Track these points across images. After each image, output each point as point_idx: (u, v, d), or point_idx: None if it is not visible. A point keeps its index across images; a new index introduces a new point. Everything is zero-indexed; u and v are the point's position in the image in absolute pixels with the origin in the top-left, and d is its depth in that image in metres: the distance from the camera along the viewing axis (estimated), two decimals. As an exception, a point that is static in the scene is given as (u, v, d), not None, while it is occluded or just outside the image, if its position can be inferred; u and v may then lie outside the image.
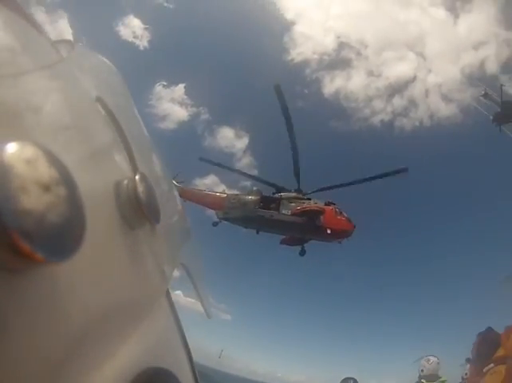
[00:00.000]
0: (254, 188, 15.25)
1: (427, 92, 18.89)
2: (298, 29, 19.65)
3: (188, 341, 0.64)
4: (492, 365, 2.53)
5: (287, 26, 19.46)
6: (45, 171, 0.24)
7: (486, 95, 14.39)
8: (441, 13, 18.44)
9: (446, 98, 18.08)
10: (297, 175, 14.24)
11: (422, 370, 4.72)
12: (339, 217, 14.21)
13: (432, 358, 4.77)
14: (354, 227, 14.36)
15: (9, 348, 0.22)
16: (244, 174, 16.47)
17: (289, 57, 19.83)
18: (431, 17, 18.44)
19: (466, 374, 4.19)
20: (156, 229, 0.47)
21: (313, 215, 13.91)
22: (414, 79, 18.78)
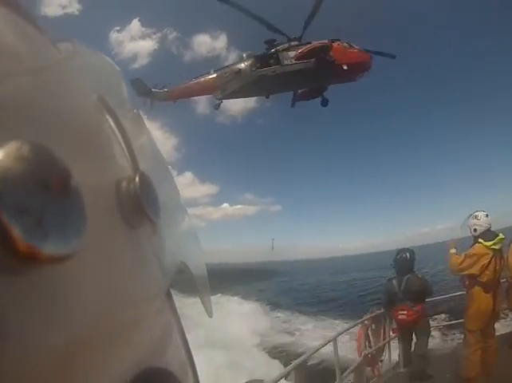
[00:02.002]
0: (244, 54, 13.41)
1: None
2: None
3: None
4: None
5: None
6: (45, 171, 0.24)
7: None
8: None
9: None
10: (276, 30, 12.44)
11: (475, 230, 4.39)
12: (350, 50, 12.57)
13: (479, 213, 4.45)
14: (371, 56, 12.80)
15: (10, 348, 0.22)
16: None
17: None
18: None
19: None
20: (157, 228, 0.47)
21: (321, 52, 12.11)
22: None
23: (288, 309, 21.36)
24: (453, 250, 4.48)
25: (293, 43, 12.82)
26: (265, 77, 12.49)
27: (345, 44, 12.69)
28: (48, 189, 0.24)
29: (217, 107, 14.01)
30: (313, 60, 12.18)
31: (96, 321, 0.31)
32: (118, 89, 0.60)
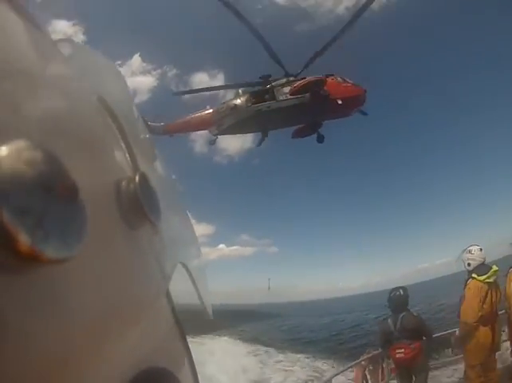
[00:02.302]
0: (239, 90, 13.26)
1: None
2: None
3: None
4: None
5: None
6: (45, 171, 0.24)
7: None
8: None
9: None
10: (277, 60, 12.30)
11: (469, 264, 4.45)
12: (345, 84, 12.55)
13: (473, 247, 4.51)
14: (365, 90, 12.74)
15: (10, 348, 0.22)
16: (223, 87, 14.10)
17: None
18: None
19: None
20: (157, 229, 0.47)
21: (316, 87, 12.01)
22: None
23: (266, 347, 20.97)
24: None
25: (289, 79, 12.88)
26: (260, 113, 12.42)
27: (339, 78, 12.77)
28: (49, 190, 0.24)
29: (212, 142, 13.83)
30: (307, 94, 12.15)
31: (96, 322, 0.31)
32: (118, 89, 0.60)
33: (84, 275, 0.30)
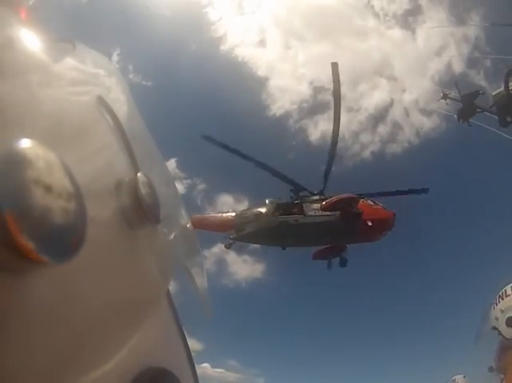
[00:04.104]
0: (266, 200, 12.82)
1: (407, 112, 19.43)
2: (272, 83, 20.27)
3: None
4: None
5: (262, 82, 20.24)
6: (46, 171, 0.24)
7: (444, 96, 13.80)
8: (398, 33, 19.03)
9: (425, 112, 18.58)
10: (326, 176, 12.26)
11: None
12: (375, 206, 12.16)
13: (457, 376, 4.74)
14: (394, 213, 12.18)
15: (11, 348, 0.22)
16: (256, 162, 12.72)
17: (271, 113, 20.35)
18: (390, 40, 19.26)
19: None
20: (157, 229, 0.47)
21: (348, 205, 11.45)
22: (391, 102, 19.30)
23: None
24: None
25: (320, 196, 12.42)
26: (285, 225, 11.75)
27: (370, 201, 12.20)
28: (50, 190, 0.24)
29: (228, 246, 12.82)
30: (338, 213, 11.60)
31: (96, 322, 0.31)
32: (118, 89, 0.60)
33: (85, 275, 0.30)
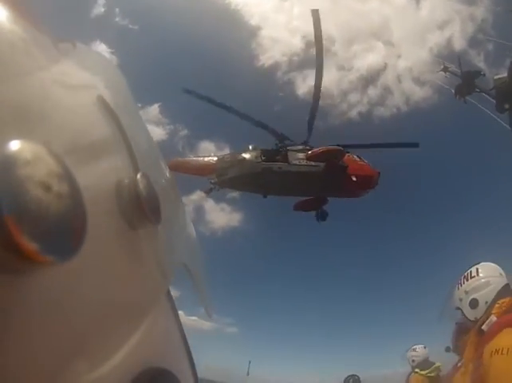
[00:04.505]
0: (250, 146, 12.09)
1: (399, 78, 18.95)
2: (264, 33, 19.04)
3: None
4: (463, 361, 1.96)
5: (253, 32, 18.91)
6: (46, 171, 0.24)
7: (445, 69, 13.60)
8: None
9: (418, 81, 18.16)
10: (310, 125, 11.72)
11: (413, 360, 4.84)
12: (361, 162, 11.87)
13: (418, 346, 4.94)
14: (379, 172, 11.93)
15: (12, 348, 0.22)
16: (241, 114, 12.50)
17: (260, 63, 19.26)
18: (392, 5, 18.75)
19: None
20: (157, 229, 0.47)
21: (334, 157, 11.09)
22: (385, 67, 18.67)
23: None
24: None
25: (305, 147, 11.98)
26: (269, 172, 11.35)
27: (355, 156, 12.02)
28: (50, 190, 0.24)
29: (208, 191, 12.31)
30: (323, 164, 11.33)
31: (97, 322, 0.31)
32: (118, 89, 0.59)
33: (85, 275, 0.30)
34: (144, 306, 0.42)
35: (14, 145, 0.23)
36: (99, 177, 0.37)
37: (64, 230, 0.25)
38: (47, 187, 0.24)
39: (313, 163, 11.47)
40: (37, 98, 0.31)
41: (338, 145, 11.62)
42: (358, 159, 11.99)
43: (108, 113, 0.45)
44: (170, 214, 0.57)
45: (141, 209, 0.40)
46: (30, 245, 0.22)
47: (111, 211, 0.37)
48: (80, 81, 0.45)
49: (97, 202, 0.33)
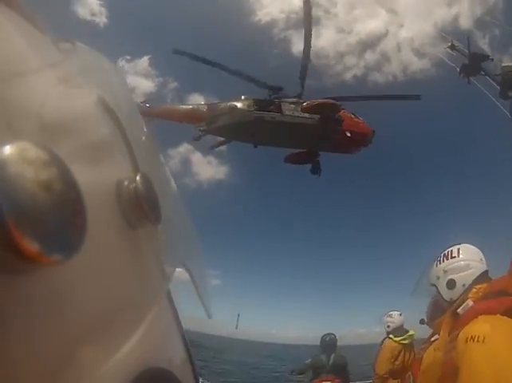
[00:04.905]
0: (242, 96, 11.67)
1: (399, 46, 17.95)
2: None
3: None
4: (437, 336, 1.88)
5: None
6: (45, 171, 0.24)
7: (452, 46, 13.55)
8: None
9: (418, 53, 17.30)
10: (302, 78, 11.45)
11: (388, 326, 4.94)
12: (356, 119, 11.65)
13: (394, 312, 5.05)
14: (373, 131, 11.84)
15: (11, 349, 0.22)
16: (230, 70, 11.90)
17: (257, 18, 17.85)
18: None
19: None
20: (157, 229, 0.47)
21: (330, 110, 10.79)
22: (386, 34, 17.70)
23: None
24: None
25: (299, 100, 11.67)
26: (261, 121, 11.09)
27: (351, 113, 11.71)
28: (50, 190, 0.24)
29: (197, 138, 12.07)
30: (317, 116, 11.07)
31: (96, 322, 0.31)
32: (118, 89, 0.58)
33: (85, 275, 0.30)
34: (144, 305, 0.42)
35: (14, 145, 0.23)
36: (99, 177, 0.37)
37: (64, 230, 0.24)
38: (47, 187, 0.24)
39: (307, 115, 11.25)
40: (36, 98, 0.31)
41: (337, 97, 11.39)
42: (353, 116, 11.81)
43: (108, 114, 0.45)
44: (170, 213, 0.56)
45: (141, 209, 0.40)
46: (31, 245, 0.22)
47: (110, 212, 0.37)
48: (80, 81, 0.44)
49: (97, 201, 0.33)
